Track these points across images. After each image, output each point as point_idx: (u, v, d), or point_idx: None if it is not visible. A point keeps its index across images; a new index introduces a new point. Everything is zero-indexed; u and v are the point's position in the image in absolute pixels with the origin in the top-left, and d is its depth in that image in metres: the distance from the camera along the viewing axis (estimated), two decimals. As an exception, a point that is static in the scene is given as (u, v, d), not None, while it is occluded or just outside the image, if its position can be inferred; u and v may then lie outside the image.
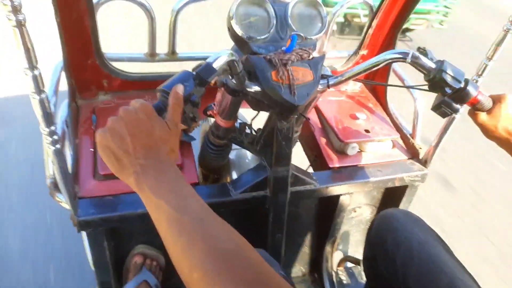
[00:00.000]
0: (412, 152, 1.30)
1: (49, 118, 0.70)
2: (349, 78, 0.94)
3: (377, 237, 1.01)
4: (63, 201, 0.88)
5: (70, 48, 1.02)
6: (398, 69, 1.36)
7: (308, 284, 1.44)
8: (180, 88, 0.64)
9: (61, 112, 1.06)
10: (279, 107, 0.87)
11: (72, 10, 0.97)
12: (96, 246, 0.99)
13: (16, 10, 0.56)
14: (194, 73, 0.67)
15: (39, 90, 0.65)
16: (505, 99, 0.89)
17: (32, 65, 0.62)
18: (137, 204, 0.95)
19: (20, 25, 0.57)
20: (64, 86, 1.07)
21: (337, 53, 1.51)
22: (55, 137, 0.74)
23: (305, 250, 1.40)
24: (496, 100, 0.90)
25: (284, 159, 0.99)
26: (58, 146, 0.75)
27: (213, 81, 0.69)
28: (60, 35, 0.97)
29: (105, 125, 0.59)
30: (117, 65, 1.19)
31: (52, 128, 0.72)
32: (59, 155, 0.77)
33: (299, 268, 1.45)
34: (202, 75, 0.67)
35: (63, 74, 1.06)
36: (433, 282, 0.85)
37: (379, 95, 1.47)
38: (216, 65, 0.70)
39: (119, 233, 1.06)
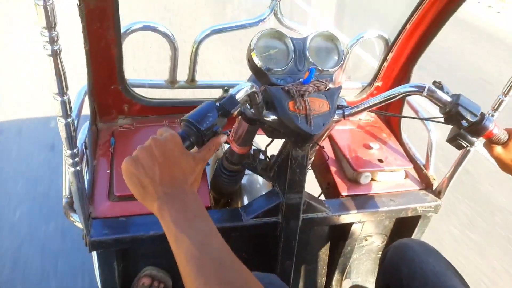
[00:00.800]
0: (426, 183, 1.31)
1: (72, 141, 0.74)
2: (364, 109, 0.96)
3: (391, 267, 1.00)
4: (77, 221, 0.91)
5: (95, 74, 1.07)
6: (412, 100, 1.38)
7: None
8: (223, 139, 0.69)
9: (81, 135, 1.10)
10: (295, 136, 0.90)
11: (100, 39, 1.02)
12: (106, 267, 1.01)
13: (53, 40, 0.60)
14: (217, 104, 0.70)
15: (66, 114, 0.69)
16: None
17: (63, 92, 0.66)
18: (149, 226, 0.97)
19: (56, 54, 0.61)
20: (86, 109, 1.12)
21: (352, 84, 1.54)
22: (77, 159, 0.77)
23: (315, 278, 1.39)
24: (511, 133, 0.91)
25: (298, 186, 1.00)
26: (78, 168, 0.78)
27: (235, 113, 0.71)
28: (87, 62, 1.02)
29: (133, 153, 0.61)
30: (138, 90, 1.24)
31: (75, 150, 0.75)
32: (78, 176, 0.80)
33: None
34: (226, 107, 0.69)
35: (86, 98, 1.10)
36: None
37: (393, 125, 1.48)
38: (238, 96, 0.72)
39: (129, 254, 1.08)
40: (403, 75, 1.40)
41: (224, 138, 0.68)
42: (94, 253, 1.01)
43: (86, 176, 1.06)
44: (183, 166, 0.61)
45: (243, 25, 1.19)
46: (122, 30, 1.06)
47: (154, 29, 1.14)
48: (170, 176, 0.60)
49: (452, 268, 0.95)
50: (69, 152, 0.75)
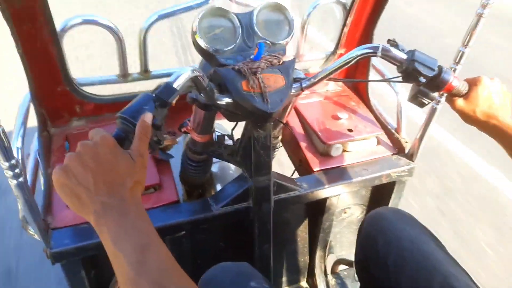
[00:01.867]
0: (398, 147, 1.29)
1: (7, 152, 0.68)
2: (322, 79, 0.92)
3: (367, 239, 0.98)
4: (35, 233, 0.86)
5: (36, 78, 1.00)
6: (378, 63, 1.35)
7: None
8: (148, 117, 0.60)
9: (34, 142, 1.04)
10: (253, 116, 0.86)
11: (34, 40, 0.95)
12: (73, 277, 0.96)
13: None
14: (153, 95, 0.65)
15: None
16: (480, 81, 0.87)
17: None
18: None
19: None
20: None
21: (315, 54, 1.50)
22: (17, 170, 0.71)
23: (297, 257, 1.38)
24: (472, 83, 0.88)
25: (264, 168, 0.97)
26: (20, 179, 0.73)
27: (174, 101, 0.66)
28: (24, 66, 0.95)
29: (64, 162, 0.56)
30: (89, 89, 1.17)
31: (13, 161, 0.70)
32: (23, 189, 0.75)
33: (293, 276, 1.42)
34: (162, 97, 0.64)
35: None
36: (427, 280, 0.82)
37: (362, 93, 1.45)
38: (177, 84, 0.67)
39: (97, 261, 1.03)
40: (365, 39, 1.37)
41: (148, 116, 0.60)
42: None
43: (42, 185, 1.01)
44: (119, 170, 0.56)
45: (190, 6, 1.13)
46: (59, 28, 0.99)
47: (95, 23, 1.06)
48: (106, 183, 0.55)
49: (427, 232, 0.94)
50: (7, 164, 0.70)
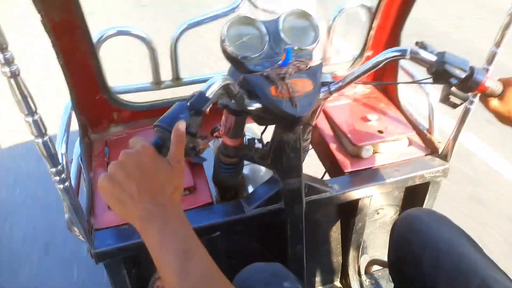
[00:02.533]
0: (431, 148, 1.27)
1: (54, 159, 0.73)
2: (350, 82, 0.92)
3: (401, 240, 0.98)
4: (80, 234, 0.91)
5: (77, 87, 1.05)
6: (407, 65, 1.34)
7: None
8: (182, 125, 0.63)
9: (76, 149, 1.10)
10: (283, 121, 0.87)
11: (74, 52, 1.00)
12: (115, 276, 1.01)
13: (8, 62, 0.58)
14: (188, 104, 0.68)
15: (41, 133, 0.68)
16: None
17: (32, 111, 0.65)
18: None
19: (15, 75, 0.60)
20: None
21: (341, 57, 1.50)
22: (63, 175, 0.76)
23: (330, 258, 1.38)
24: (506, 84, 0.86)
25: (295, 171, 0.98)
26: (66, 184, 0.78)
27: (207, 109, 0.69)
28: (66, 76, 1.01)
29: (108, 169, 0.59)
30: (125, 97, 1.22)
31: (59, 167, 0.75)
32: (69, 192, 0.80)
33: (326, 276, 1.42)
34: (196, 105, 0.67)
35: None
36: (464, 283, 0.81)
37: (391, 94, 1.44)
38: (209, 92, 0.70)
39: (138, 260, 1.08)
40: (392, 41, 1.35)
41: (182, 124, 0.63)
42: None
43: (84, 189, 1.06)
44: (160, 177, 0.59)
45: (217, 15, 1.16)
46: (95, 39, 1.05)
47: (128, 33, 1.12)
48: (149, 190, 0.57)
49: (463, 234, 0.92)
50: (54, 170, 0.75)
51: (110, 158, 1.13)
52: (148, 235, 0.56)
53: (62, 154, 0.91)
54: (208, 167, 1.17)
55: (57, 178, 0.76)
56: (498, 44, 0.98)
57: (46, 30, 0.90)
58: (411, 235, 0.95)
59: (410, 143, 1.29)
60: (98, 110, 1.17)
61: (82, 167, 1.07)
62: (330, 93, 0.92)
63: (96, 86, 1.11)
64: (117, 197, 0.57)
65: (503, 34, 0.97)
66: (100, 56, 1.08)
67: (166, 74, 1.26)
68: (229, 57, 0.87)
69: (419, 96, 1.31)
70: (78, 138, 1.13)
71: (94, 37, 1.04)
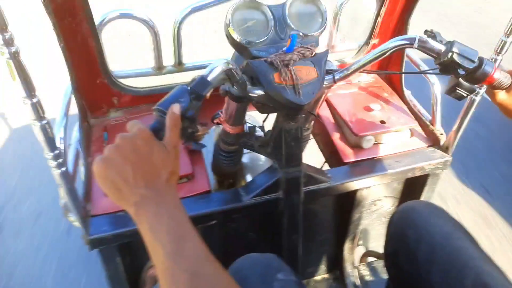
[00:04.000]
0: (433, 139, 1.26)
1: (51, 143, 0.72)
2: (355, 71, 0.91)
3: (397, 232, 0.97)
4: (75, 220, 0.91)
5: (77, 70, 1.04)
6: (413, 54, 1.32)
7: (330, 282, 1.42)
8: (176, 108, 0.62)
9: (75, 133, 1.09)
10: (285, 109, 0.86)
11: (75, 34, 0.99)
12: (109, 263, 1.01)
13: (8, 43, 0.57)
14: (189, 88, 0.67)
15: (39, 117, 0.67)
16: None
17: (30, 94, 0.64)
18: None
19: (14, 56, 0.59)
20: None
21: (348, 45, 1.47)
22: (60, 160, 0.75)
23: (326, 248, 1.38)
24: None
25: (295, 160, 0.97)
26: (63, 169, 0.77)
27: (208, 94, 0.68)
28: (66, 59, 0.99)
29: (104, 153, 0.58)
30: (125, 81, 1.21)
31: (56, 152, 0.74)
32: (66, 178, 0.79)
33: (321, 267, 1.43)
34: (197, 89, 0.66)
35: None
36: (458, 277, 0.81)
37: (395, 83, 1.42)
38: (211, 77, 0.69)
39: (132, 248, 1.07)
40: (400, 29, 1.33)
41: (177, 107, 0.62)
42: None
43: (81, 174, 1.06)
44: (155, 162, 0.58)
45: (222, -1, 1.14)
46: (97, 21, 1.03)
47: (131, 16, 1.10)
48: (144, 175, 0.57)
49: (460, 227, 0.92)
50: (51, 154, 0.74)
51: (109, 143, 1.12)
52: (142, 220, 0.56)
53: (60, 138, 0.89)
54: (207, 154, 1.17)
55: (54, 162, 0.75)
56: (508, 34, 0.96)
57: (47, 11, 0.88)
58: (407, 227, 0.95)
59: (412, 134, 1.28)
60: (98, 94, 1.16)
61: (80, 152, 1.06)
62: (335, 81, 0.90)
63: (96, 69, 1.10)
64: (111, 182, 0.57)
65: None
66: (102, 39, 1.07)
67: (167, 59, 1.24)
68: (233, 42, 0.86)
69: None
70: (77, 123, 1.12)
71: (96, 19, 1.02)
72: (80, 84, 1.07)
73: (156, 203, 0.56)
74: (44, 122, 0.68)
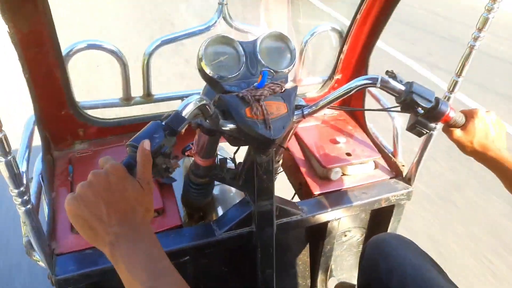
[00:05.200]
0: (395, 171, 1.31)
1: (17, 179, 0.68)
2: (323, 107, 0.94)
3: (370, 264, 0.99)
4: (40, 260, 0.85)
5: (41, 101, 1.01)
6: (374, 90, 1.39)
7: None
8: (146, 144, 0.61)
9: (37, 165, 1.04)
10: (256, 142, 0.87)
11: (41, 65, 0.96)
12: None
13: None
14: (163, 123, 0.66)
15: (5, 152, 0.64)
16: (477, 114, 0.90)
17: None
18: None
19: None
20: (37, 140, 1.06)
21: (312, 79, 1.53)
22: (26, 197, 0.72)
23: (299, 281, 1.37)
24: (469, 115, 0.91)
25: (267, 193, 0.98)
26: (29, 206, 0.73)
27: (183, 130, 0.68)
28: (30, 90, 0.96)
29: (76, 190, 0.56)
30: (92, 112, 1.18)
31: (22, 189, 0.70)
32: (31, 215, 0.75)
33: None
34: (172, 125, 0.66)
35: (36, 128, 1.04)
36: None
37: (358, 117, 1.49)
38: (185, 112, 0.69)
39: None
40: (361, 65, 1.41)
41: (147, 143, 0.61)
42: None
43: (45, 209, 1.00)
44: (130, 199, 0.57)
45: (193, 32, 1.16)
46: (64, 52, 1.01)
47: (99, 47, 1.09)
48: (118, 212, 0.56)
49: (429, 259, 0.95)
50: (16, 191, 0.70)
51: (74, 177, 1.08)
52: (118, 259, 0.54)
53: (22, 172, 0.85)
54: (177, 187, 1.14)
55: (19, 200, 0.71)
56: (459, 74, 1.04)
57: (13, 41, 0.85)
58: (379, 259, 0.97)
59: (376, 166, 1.33)
60: (63, 126, 1.12)
61: (43, 186, 1.01)
62: (304, 116, 0.93)
63: (62, 100, 1.06)
64: (84, 220, 0.55)
65: (464, 64, 1.03)
66: (69, 69, 1.04)
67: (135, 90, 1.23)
68: (205, 76, 0.87)
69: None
70: (40, 155, 1.07)
71: (63, 50, 1.00)
72: (44, 114, 1.04)
73: (132, 241, 0.55)
74: (9, 157, 0.65)
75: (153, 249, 0.56)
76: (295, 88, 0.91)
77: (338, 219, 1.20)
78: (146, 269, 0.53)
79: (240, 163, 1.04)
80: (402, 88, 0.88)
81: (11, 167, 0.66)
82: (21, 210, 0.73)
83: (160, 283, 0.52)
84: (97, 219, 0.54)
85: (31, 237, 0.79)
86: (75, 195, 0.56)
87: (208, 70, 0.85)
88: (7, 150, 0.64)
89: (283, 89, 0.89)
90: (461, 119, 0.90)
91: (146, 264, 0.53)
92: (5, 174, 0.66)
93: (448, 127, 0.92)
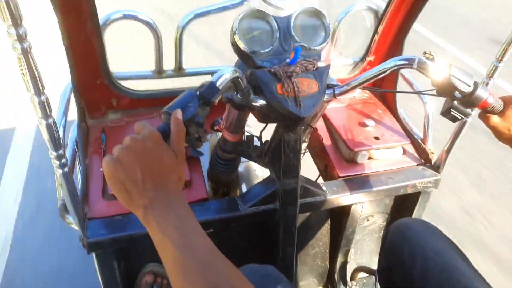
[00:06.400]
0: (424, 158, 1.28)
1: (57, 142, 0.71)
2: (355, 87, 0.93)
3: (392, 248, 0.99)
4: (73, 222, 0.89)
5: (78, 70, 1.03)
6: (407, 73, 1.35)
7: None
8: (179, 114, 0.62)
9: (72, 133, 1.08)
10: (286, 120, 0.87)
11: (79, 33, 0.98)
12: (106, 267, 0.99)
13: (21, 38, 0.57)
14: (197, 93, 0.67)
15: (46, 115, 0.66)
16: None
17: (39, 91, 0.63)
18: None
19: (26, 52, 0.58)
20: (74, 107, 1.09)
21: (344, 60, 1.50)
22: (63, 160, 0.75)
23: (318, 262, 1.38)
24: (507, 101, 0.88)
25: (293, 171, 0.98)
26: (66, 169, 0.76)
27: (217, 100, 0.69)
28: (69, 58, 0.99)
29: (112, 153, 0.58)
30: (125, 83, 1.21)
31: (60, 152, 0.73)
32: (67, 178, 0.78)
33: (313, 280, 1.43)
34: (206, 95, 0.67)
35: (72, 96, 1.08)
36: None
37: (388, 101, 1.46)
38: (219, 83, 0.69)
39: (129, 253, 1.06)
40: (395, 47, 1.37)
41: (179, 113, 0.62)
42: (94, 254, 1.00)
43: (79, 175, 1.04)
44: (164, 165, 0.58)
45: (226, 6, 1.15)
46: (101, 22, 1.03)
47: (134, 18, 1.10)
48: (153, 177, 0.57)
49: (453, 245, 0.94)
50: (55, 153, 0.73)
51: (107, 145, 1.11)
52: (151, 221, 0.56)
53: (60, 138, 0.89)
54: (204, 163, 1.16)
55: (57, 162, 0.74)
56: (499, 59, 1.00)
57: (54, 7, 0.87)
58: (401, 244, 0.97)
59: (404, 152, 1.31)
60: (98, 95, 1.15)
61: (77, 153, 1.05)
62: (335, 96, 0.92)
63: (98, 69, 1.09)
64: (121, 183, 0.56)
65: (506, 49, 0.99)
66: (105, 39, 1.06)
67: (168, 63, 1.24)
68: (238, 50, 0.87)
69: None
70: (75, 123, 1.11)
71: (100, 19, 1.02)
72: (80, 83, 1.07)
73: (165, 205, 0.56)
74: (50, 120, 0.67)
75: (184, 212, 0.58)
76: (327, 67, 0.90)
77: (361, 203, 1.19)
78: (177, 228, 0.55)
79: (266, 141, 1.04)
80: (440, 70, 0.85)
81: (52, 130, 0.68)
82: (58, 172, 0.76)
83: (191, 240, 0.54)
84: (133, 183, 0.56)
85: (66, 199, 0.83)
86: (114, 158, 0.57)
87: (241, 44, 0.85)
88: (48, 113, 0.66)
89: (316, 66, 0.88)
90: (499, 105, 0.86)
91: (177, 223, 0.55)
92: (46, 136, 0.69)
93: (485, 113, 0.89)
